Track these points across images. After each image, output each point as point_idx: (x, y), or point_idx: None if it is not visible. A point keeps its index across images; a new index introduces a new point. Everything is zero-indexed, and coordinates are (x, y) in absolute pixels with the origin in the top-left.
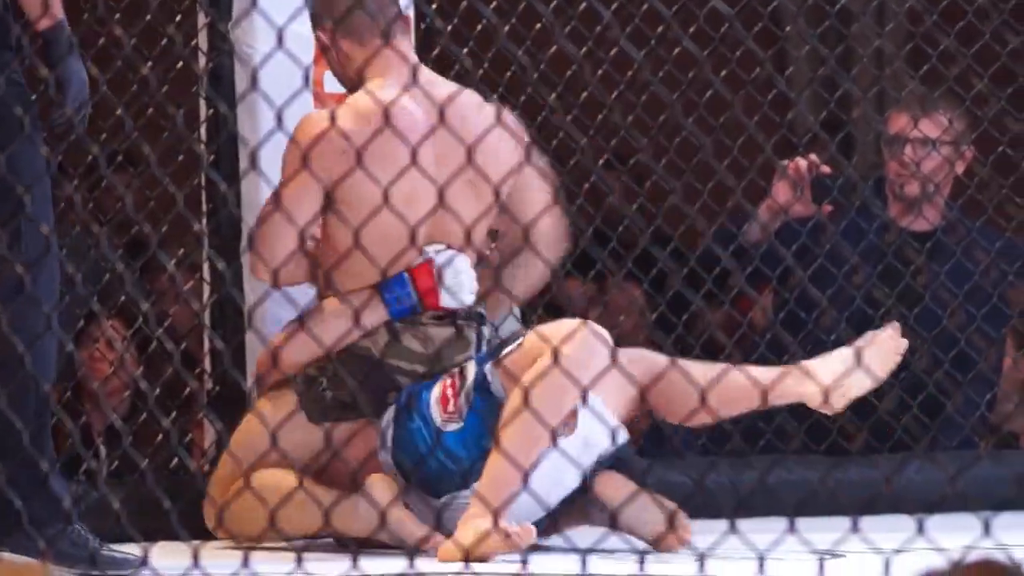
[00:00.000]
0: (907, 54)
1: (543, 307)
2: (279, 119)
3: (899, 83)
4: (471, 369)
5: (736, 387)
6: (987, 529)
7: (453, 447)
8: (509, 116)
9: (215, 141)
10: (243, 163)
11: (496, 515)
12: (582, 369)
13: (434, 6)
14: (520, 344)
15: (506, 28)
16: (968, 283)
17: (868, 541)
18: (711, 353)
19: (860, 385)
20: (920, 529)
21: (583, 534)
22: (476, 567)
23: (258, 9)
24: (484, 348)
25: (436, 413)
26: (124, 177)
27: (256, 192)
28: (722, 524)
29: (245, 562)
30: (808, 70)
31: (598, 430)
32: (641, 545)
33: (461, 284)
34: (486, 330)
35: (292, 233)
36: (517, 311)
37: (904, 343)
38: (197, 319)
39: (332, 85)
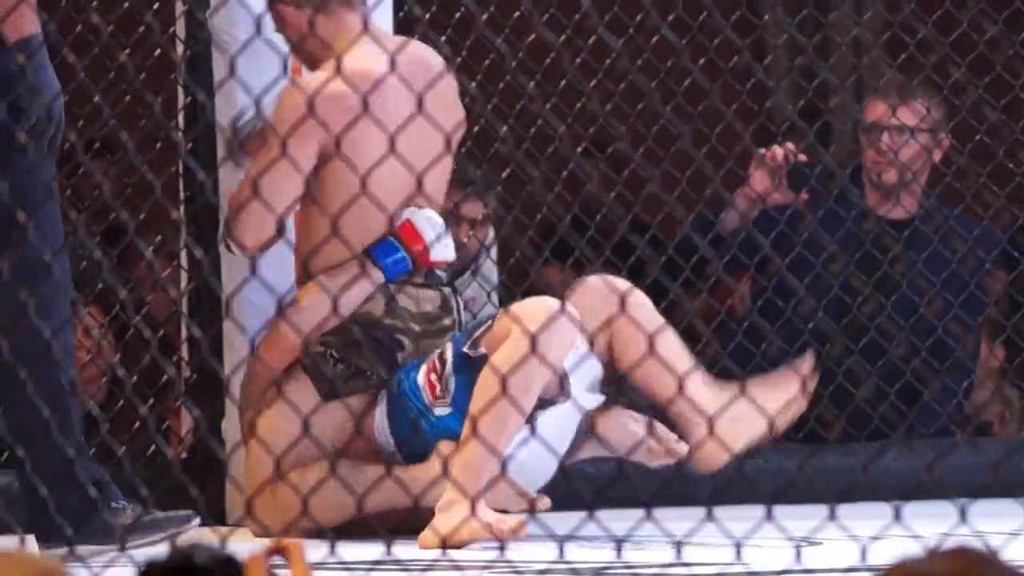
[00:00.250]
0: (885, 43)
1: (521, 294)
2: (257, 107)
3: (877, 72)
4: (449, 351)
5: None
6: (963, 517)
7: (450, 427)
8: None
9: (193, 129)
10: (221, 151)
11: (473, 502)
12: (550, 345)
13: None
14: (491, 324)
15: (484, 16)
16: (945, 271)
17: (845, 529)
18: (690, 341)
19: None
20: (897, 517)
21: (561, 520)
22: (454, 554)
23: None
24: (460, 322)
25: (425, 397)
26: (102, 164)
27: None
28: (699, 512)
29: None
30: (786, 59)
31: (590, 377)
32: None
33: (440, 235)
34: (460, 300)
35: (280, 200)
36: (495, 297)
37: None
38: (175, 306)
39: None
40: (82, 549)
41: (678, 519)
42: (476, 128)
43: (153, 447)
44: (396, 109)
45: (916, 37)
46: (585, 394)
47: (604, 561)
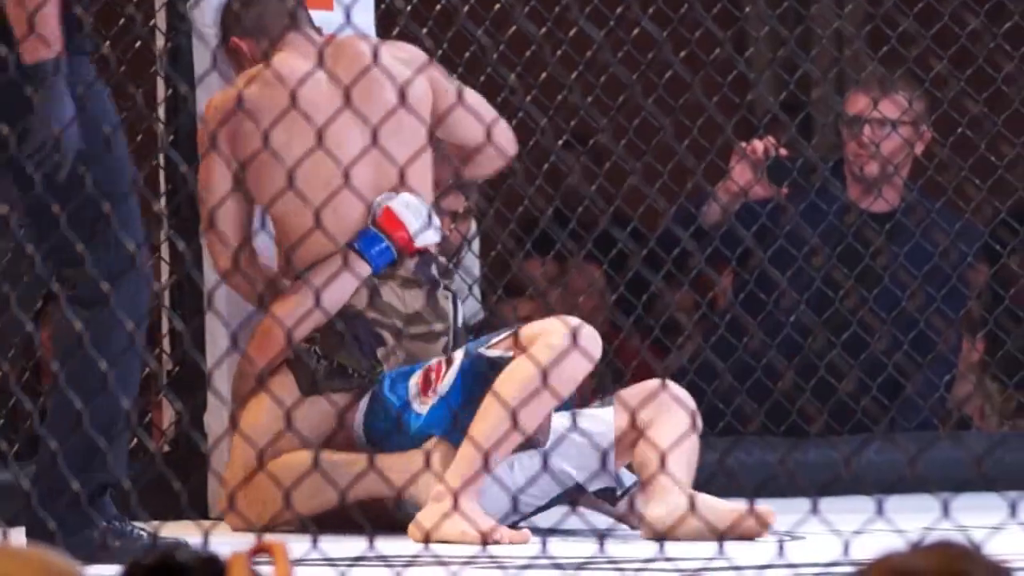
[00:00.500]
0: (866, 35)
1: (503, 288)
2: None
3: (859, 64)
4: (459, 356)
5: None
6: (946, 511)
7: (419, 425)
8: (406, 50)
9: (174, 121)
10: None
11: (456, 499)
12: (563, 379)
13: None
14: (510, 337)
15: (465, 8)
16: (927, 264)
17: (827, 523)
18: (671, 334)
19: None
20: (879, 510)
21: (544, 515)
22: (437, 549)
23: None
24: (455, 330)
25: (413, 392)
26: None
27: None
28: None
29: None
30: (768, 51)
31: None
32: (602, 523)
33: (422, 219)
34: (460, 307)
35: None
36: (477, 291)
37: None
38: (157, 299)
39: None
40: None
41: None
42: None
43: (135, 440)
44: (317, 104)
45: (898, 30)
46: (571, 470)
47: (587, 556)
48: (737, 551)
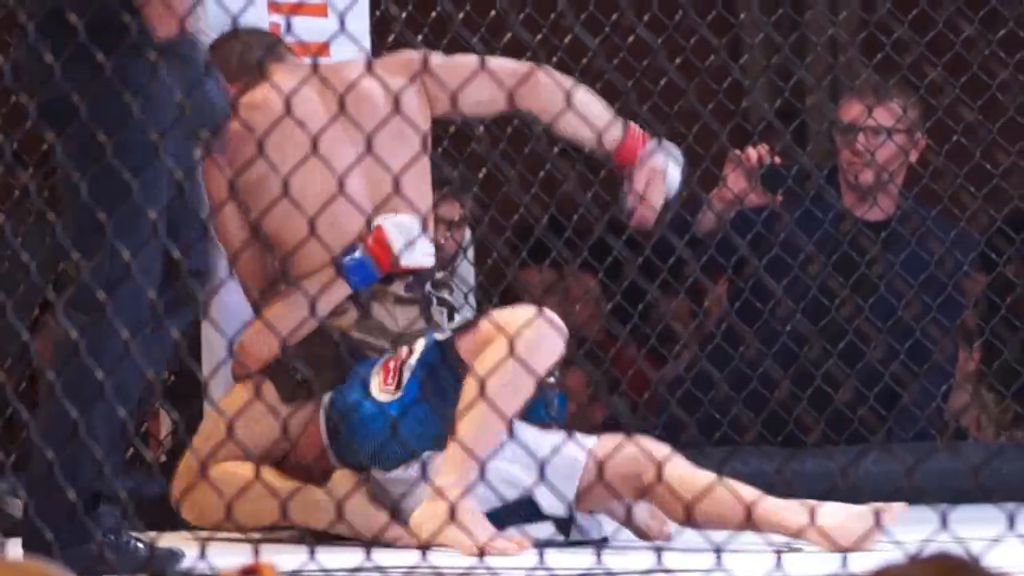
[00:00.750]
0: (861, 42)
1: (498, 296)
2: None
3: (853, 71)
4: (419, 344)
5: (728, 505)
6: (944, 522)
7: (384, 415)
8: (395, 61)
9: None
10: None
11: (453, 506)
12: (537, 358)
13: None
14: (474, 325)
15: (461, 15)
16: (923, 273)
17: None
18: (666, 342)
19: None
20: (877, 522)
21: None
22: (434, 560)
23: None
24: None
25: (375, 384)
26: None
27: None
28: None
29: (202, 553)
30: (762, 58)
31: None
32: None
33: (413, 240)
34: (457, 316)
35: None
36: (472, 299)
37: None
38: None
39: None
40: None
41: None
42: (452, 128)
43: (132, 450)
44: (309, 121)
45: (892, 37)
46: (552, 501)
47: (585, 567)
48: (736, 563)
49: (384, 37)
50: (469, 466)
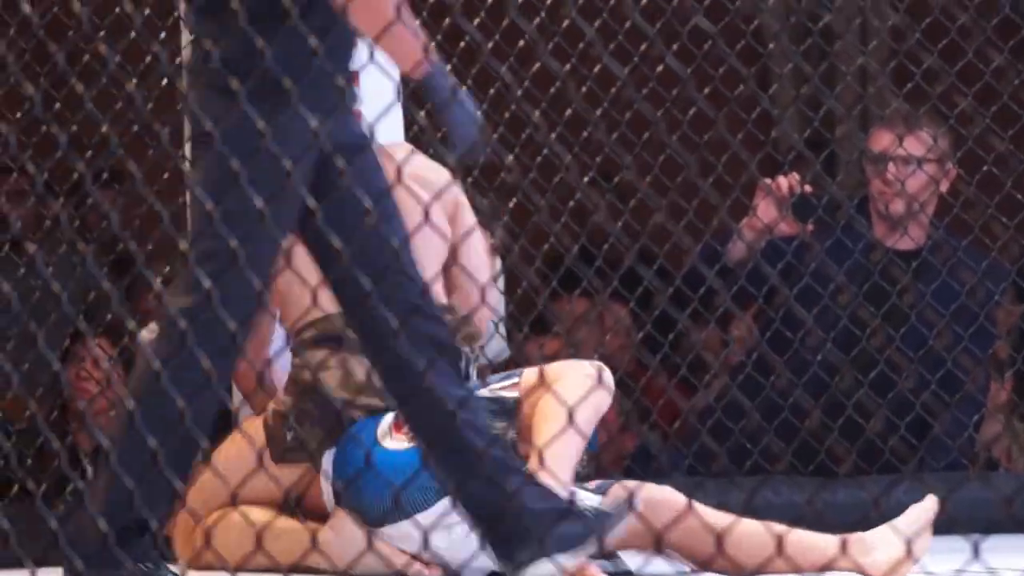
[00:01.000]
0: (890, 72)
1: (529, 326)
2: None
3: (883, 101)
4: None
5: (756, 542)
6: (976, 552)
7: (389, 464)
8: (432, 169)
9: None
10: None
11: None
12: (587, 418)
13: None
14: (517, 383)
15: (490, 45)
16: (954, 303)
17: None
18: (697, 371)
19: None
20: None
21: None
22: None
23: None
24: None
25: (383, 431)
26: (109, 195)
27: None
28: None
29: None
30: (791, 88)
31: None
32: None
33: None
34: (472, 369)
35: None
36: (503, 328)
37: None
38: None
39: None
40: None
41: None
42: (482, 159)
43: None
44: None
45: (922, 67)
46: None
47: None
48: None
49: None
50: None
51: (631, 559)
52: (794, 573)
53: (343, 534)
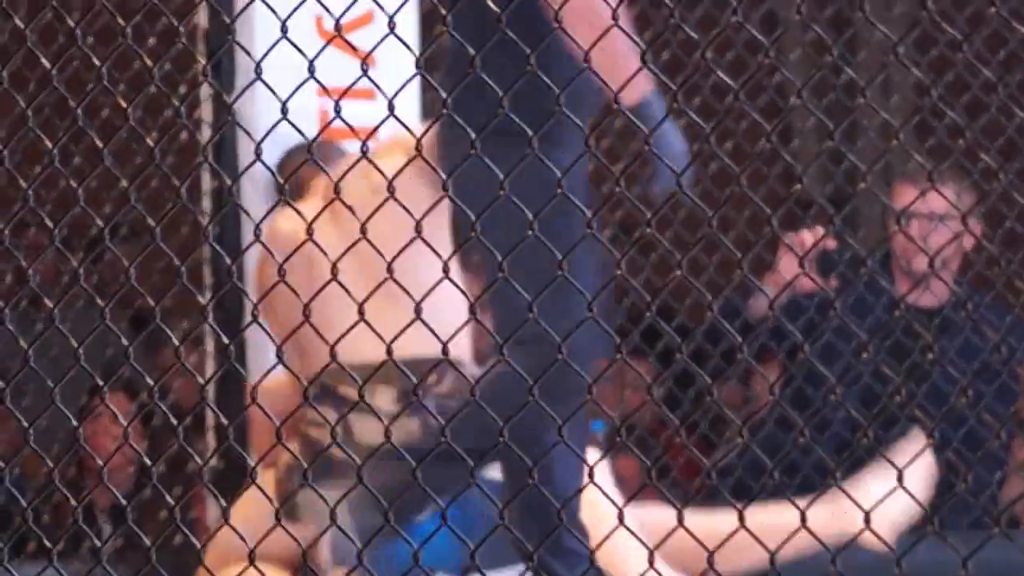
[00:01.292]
0: (913, 128)
1: None
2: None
3: (905, 156)
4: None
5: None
6: None
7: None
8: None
9: (219, 213)
10: (247, 236)
11: None
12: None
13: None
14: None
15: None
16: (977, 360)
17: None
18: (719, 428)
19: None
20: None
21: None
22: None
23: (261, 80)
24: None
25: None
26: (128, 249)
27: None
28: None
29: None
30: (814, 143)
31: None
32: None
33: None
34: None
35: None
36: None
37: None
38: (201, 394)
39: None
40: None
41: None
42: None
43: (179, 537)
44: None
45: (944, 121)
46: None
47: None
48: None
49: (434, 119)
50: None
51: None
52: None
53: None
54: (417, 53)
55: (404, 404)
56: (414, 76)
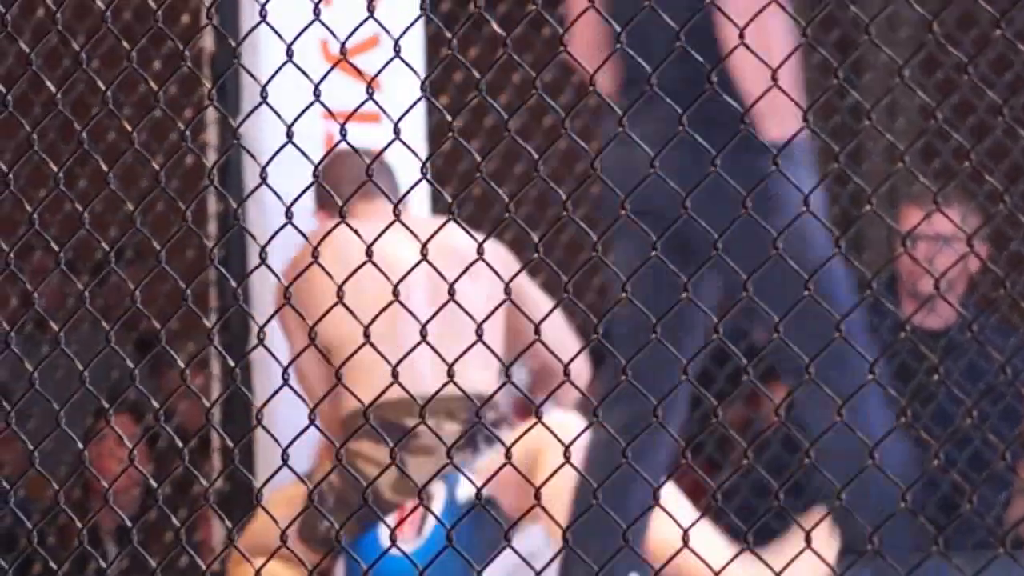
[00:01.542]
0: (919, 150)
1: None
2: (288, 214)
3: (911, 179)
4: (439, 489)
5: None
6: None
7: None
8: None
9: (224, 236)
10: (252, 259)
11: None
12: None
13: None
14: (499, 453)
15: (518, 124)
16: (983, 382)
17: None
18: (725, 449)
19: None
20: None
21: None
22: None
23: (267, 103)
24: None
25: (384, 538)
26: (133, 272)
27: (264, 287)
28: None
29: None
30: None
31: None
32: None
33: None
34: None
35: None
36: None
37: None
38: (207, 416)
39: None
40: None
41: None
42: (511, 235)
43: (185, 559)
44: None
45: (950, 143)
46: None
47: None
48: None
49: (440, 143)
50: None
51: None
52: None
53: None
54: (423, 76)
55: (467, 443)
56: (420, 99)
